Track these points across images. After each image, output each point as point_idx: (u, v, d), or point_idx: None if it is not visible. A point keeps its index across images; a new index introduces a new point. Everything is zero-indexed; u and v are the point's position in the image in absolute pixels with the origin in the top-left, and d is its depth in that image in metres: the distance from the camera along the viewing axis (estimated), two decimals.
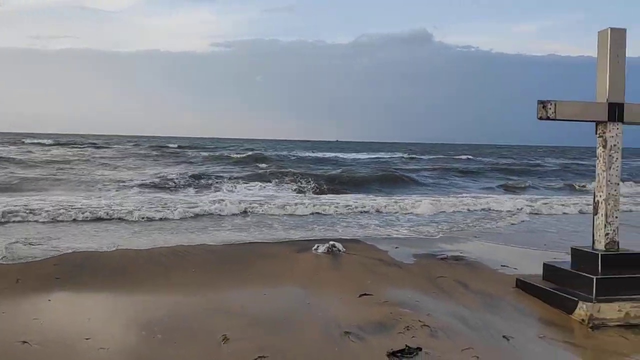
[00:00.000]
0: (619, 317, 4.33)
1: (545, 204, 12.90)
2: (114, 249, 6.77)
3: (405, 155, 45.31)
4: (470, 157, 43.53)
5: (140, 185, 15.25)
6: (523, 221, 10.70)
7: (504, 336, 4.06)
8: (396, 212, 11.37)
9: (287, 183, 16.72)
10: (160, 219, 9.43)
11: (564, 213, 12.10)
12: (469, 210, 11.85)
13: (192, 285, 5.29)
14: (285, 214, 10.66)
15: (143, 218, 9.36)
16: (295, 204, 11.39)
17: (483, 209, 11.93)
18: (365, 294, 4.96)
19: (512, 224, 10.55)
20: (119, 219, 9.29)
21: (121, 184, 15.66)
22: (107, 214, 9.46)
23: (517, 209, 12.05)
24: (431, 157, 44.47)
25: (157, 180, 16.56)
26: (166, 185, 15.50)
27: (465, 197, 14.46)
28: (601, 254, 4.60)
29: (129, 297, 4.91)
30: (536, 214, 11.82)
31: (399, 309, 4.55)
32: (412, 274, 5.86)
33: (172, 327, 4.05)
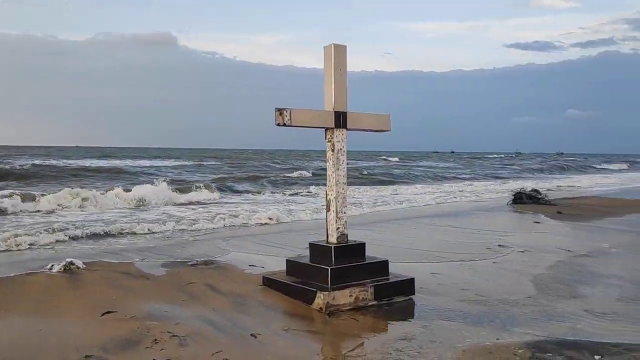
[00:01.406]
0: (350, 302, 4.86)
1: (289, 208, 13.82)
2: None
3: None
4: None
5: None
6: (267, 223, 11.32)
7: (252, 334, 4.19)
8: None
9: None
10: None
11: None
12: (217, 214, 12.01)
13: None
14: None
15: None
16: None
17: (231, 214, 12.20)
18: (109, 312, 4.60)
19: (261, 224, 11.11)
20: None
21: None
22: None
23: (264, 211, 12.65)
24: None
25: None
26: None
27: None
28: (334, 247, 5.11)
29: None
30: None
31: (147, 322, 4.34)
32: (161, 283, 5.66)
33: None
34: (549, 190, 19.58)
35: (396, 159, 69.49)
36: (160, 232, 9.78)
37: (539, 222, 11.48)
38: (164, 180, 17.31)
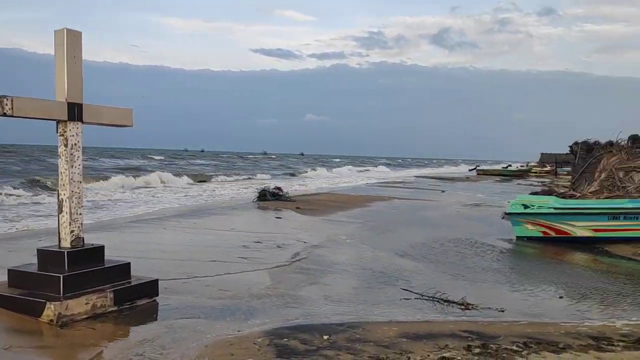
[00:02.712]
0: (86, 310, 4.49)
1: None
2: None
3: None
4: None
5: None
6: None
7: None
8: None
9: None
10: None
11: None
12: None
13: None
14: None
15: None
16: None
17: None
18: None
19: None
20: None
21: None
22: None
23: None
24: None
25: None
26: None
27: None
28: (67, 252, 4.65)
29: None
30: None
31: None
32: None
33: None
34: (292, 188, 21.19)
35: (162, 157, 64.93)
36: None
37: (280, 218, 12.31)
38: None
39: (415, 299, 5.66)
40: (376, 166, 70.23)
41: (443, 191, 23.72)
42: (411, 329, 4.56)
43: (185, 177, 29.02)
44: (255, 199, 15.46)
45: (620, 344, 4.33)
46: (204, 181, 30.49)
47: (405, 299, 5.68)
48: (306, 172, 45.77)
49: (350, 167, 61.56)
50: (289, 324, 4.53)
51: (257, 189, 17.11)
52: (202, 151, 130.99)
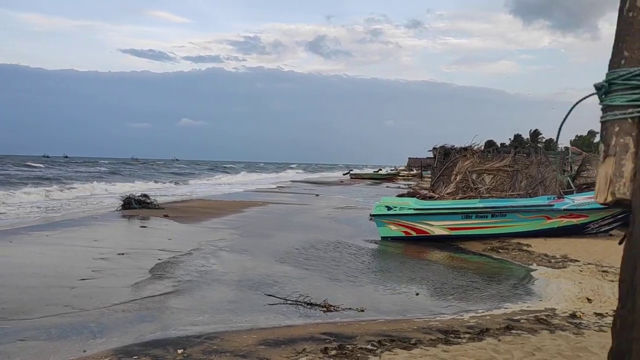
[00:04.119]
0: None
1: None
2: None
3: None
4: None
5: None
6: None
7: None
8: None
9: None
10: None
11: None
12: None
13: None
14: None
15: None
16: None
17: None
18: None
19: None
20: None
21: None
22: None
23: None
24: None
25: None
26: None
27: None
28: None
29: None
30: None
31: None
32: None
33: None
34: (162, 195, 20.33)
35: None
36: None
37: (145, 227, 11.71)
38: None
39: (279, 304, 5.63)
40: (260, 172, 69.88)
41: (317, 195, 24.21)
42: (271, 335, 4.51)
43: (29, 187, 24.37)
44: (120, 208, 14.58)
45: (466, 335, 4.63)
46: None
47: (270, 304, 5.62)
48: (185, 179, 44.15)
49: (223, 173, 60.66)
50: (142, 340, 4.27)
51: (121, 196, 16.13)
52: (66, 157, 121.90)
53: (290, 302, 5.64)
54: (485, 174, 15.31)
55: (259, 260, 8.21)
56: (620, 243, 1.19)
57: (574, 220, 10.40)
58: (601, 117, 1.21)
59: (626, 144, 1.14)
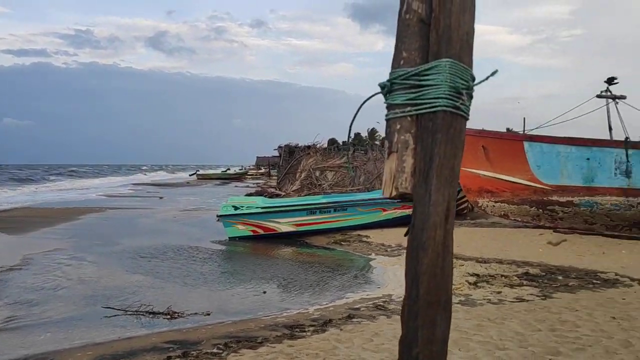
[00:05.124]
0: None
1: None
2: None
3: None
4: None
5: None
6: None
7: None
8: None
9: None
10: None
11: None
12: None
13: None
14: None
15: None
16: None
17: None
18: None
19: None
20: None
21: None
22: None
23: None
24: None
25: None
26: None
27: None
28: None
29: None
30: None
31: None
32: None
33: None
34: None
35: None
36: None
37: None
38: None
39: (119, 316, 5.29)
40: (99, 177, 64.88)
41: (161, 197, 23.26)
42: (110, 349, 4.23)
43: None
44: None
45: (311, 328, 4.77)
46: None
47: (107, 317, 5.26)
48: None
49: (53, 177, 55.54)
50: None
51: None
52: None
53: (130, 312, 5.33)
54: (328, 171, 15.96)
55: (93, 270, 7.67)
56: (405, 235, 1.27)
57: (407, 211, 11.29)
58: (385, 115, 1.29)
59: (407, 140, 1.23)
